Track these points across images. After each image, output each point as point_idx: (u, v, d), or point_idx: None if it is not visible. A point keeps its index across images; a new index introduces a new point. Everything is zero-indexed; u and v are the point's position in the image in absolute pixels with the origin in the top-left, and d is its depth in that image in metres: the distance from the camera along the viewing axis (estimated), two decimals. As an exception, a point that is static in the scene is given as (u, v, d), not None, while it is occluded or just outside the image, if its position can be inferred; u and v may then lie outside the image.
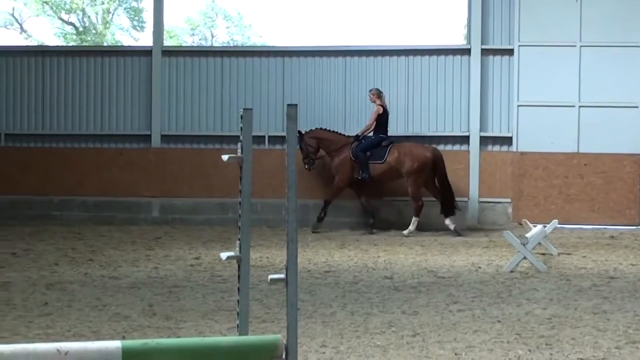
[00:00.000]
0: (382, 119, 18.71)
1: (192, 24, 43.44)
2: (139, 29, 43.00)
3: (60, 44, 24.52)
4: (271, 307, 9.85)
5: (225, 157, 4.40)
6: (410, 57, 19.93)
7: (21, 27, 41.49)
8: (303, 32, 42.86)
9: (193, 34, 43.91)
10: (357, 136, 18.86)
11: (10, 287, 11.06)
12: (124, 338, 8.16)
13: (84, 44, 33.19)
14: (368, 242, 16.55)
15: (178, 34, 42.19)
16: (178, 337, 8.22)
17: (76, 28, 41.71)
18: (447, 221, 18.11)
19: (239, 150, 4.37)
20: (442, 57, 19.84)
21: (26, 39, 39.79)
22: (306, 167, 18.75)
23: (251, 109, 4.36)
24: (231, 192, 19.65)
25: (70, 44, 27.90)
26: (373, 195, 19.08)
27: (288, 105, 4.08)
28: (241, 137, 4.36)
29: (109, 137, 20.40)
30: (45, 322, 8.97)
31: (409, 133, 19.64)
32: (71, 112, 20.50)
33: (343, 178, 18.82)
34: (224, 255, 4.44)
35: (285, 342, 4.03)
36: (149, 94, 20.35)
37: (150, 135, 20.29)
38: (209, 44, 41.47)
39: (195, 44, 42.31)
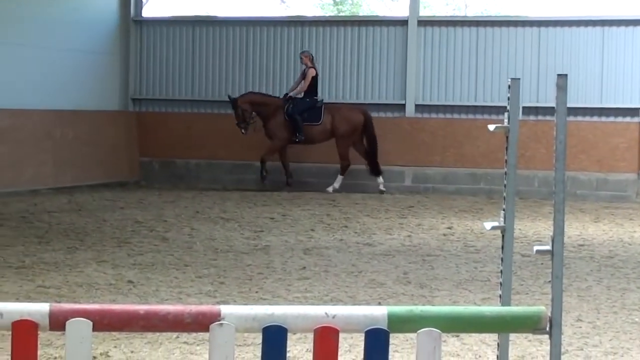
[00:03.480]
0: (314, 82, 19.42)
1: (446, -6, 43.20)
2: (393, -1, 43.16)
3: (318, 15, 24.98)
4: (525, 279, 9.73)
5: (491, 127, 4.36)
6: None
7: (281, -1, 42.48)
8: (559, 2, 41.84)
9: (447, 4, 43.71)
10: (286, 97, 19.43)
11: (269, 251, 11.40)
12: (379, 304, 8.26)
13: (341, 14, 33.64)
14: (623, 217, 16.05)
15: (431, 4, 42.10)
16: (432, 305, 8.25)
17: (333, -1, 42.35)
18: (380, 180, 19.14)
19: (505, 120, 4.32)
20: None
21: (286, 9, 40.76)
22: (242, 131, 19.21)
23: (519, 79, 4.30)
24: (482, 162, 19.55)
25: (328, 15, 28.33)
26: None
27: (558, 75, 3.99)
28: (508, 107, 4.31)
29: (364, 106, 20.62)
30: (304, 286, 9.19)
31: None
32: (328, 81, 20.85)
33: (279, 140, 19.35)
34: (487, 225, 4.41)
35: (549, 314, 3.97)
36: (403, 64, 20.44)
37: (404, 105, 20.40)
38: (462, 14, 41.18)
39: (449, 15, 42.08)
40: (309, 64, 19.45)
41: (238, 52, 21.38)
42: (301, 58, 19.68)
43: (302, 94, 19.48)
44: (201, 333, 6.02)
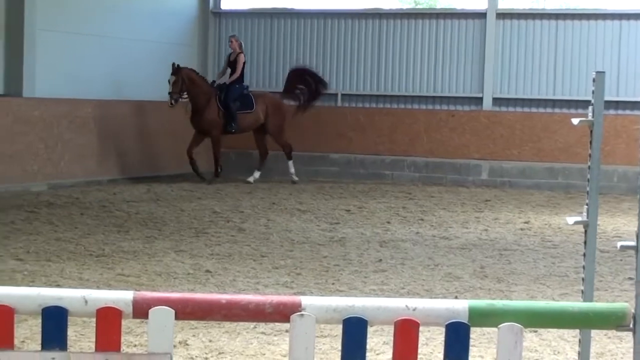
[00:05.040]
0: (244, 68, 18.92)
1: (524, -14, 42.77)
2: (471, -9, 42.87)
3: (395, 7, 24.89)
4: (604, 275, 9.60)
5: (575, 121, 4.31)
6: None
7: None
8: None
9: (525, -3, 43.27)
10: (216, 85, 18.67)
11: (346, 243, 11.41)
12: (456, 298, 8.22)
13: (418, 6, 33.50)
14: None
15: (510, -3, 41.70)
16: (510, 300, 8.19)
17: (410, -9, 42.15)
18: (290, 163, 19.15)
19: (590, 114, 4.27)
20: None
21: (363, 1, 40.64)
22: (172, 102, 18.06)
23: (604, 72, 4.24)
24: (560, 157, 19.35)
25: (405, 7, 28.24)
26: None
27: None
28: (592, 101, 4.26)
29: (440, 98, 20.57)
30: (380, 279, 9.18)
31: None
32: (405, 73, 20.82)
33: (218, 131, 18.58)
34: (570, 219, 4.36)
35: (633, 311, 3.91)
36: (481, 57, 20.31)
37: (481, 98, 20.27)
38: (541, 6, 40.74)
39: (527, 8, 41.63)
40: (238, 49, 18.83)
41: (315, 43, 21.42)
42: (230, 41, 19.00)
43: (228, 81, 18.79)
44: (278, 323, 6.06)
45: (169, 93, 18.04)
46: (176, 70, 18.08)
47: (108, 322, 3.87)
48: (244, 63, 18.90)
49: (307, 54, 21.40)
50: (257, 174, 18.92)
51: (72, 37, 18.10)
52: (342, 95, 21.16)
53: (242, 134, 19.04)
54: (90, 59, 18.37)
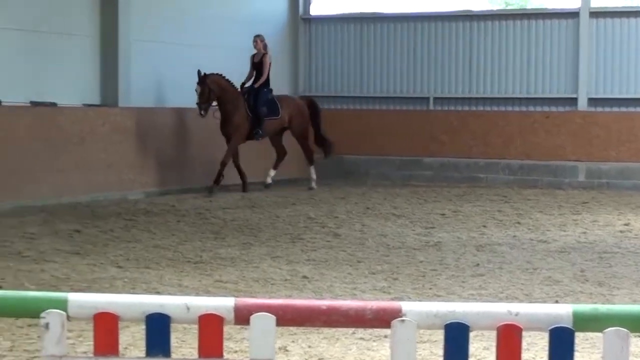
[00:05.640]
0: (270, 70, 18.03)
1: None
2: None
3: (486, 8, 24.72)
4: None
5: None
6: None
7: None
8: None
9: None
10: (246, 89, 17.80)
11: (442, 247, 11.36)
12: (556, 302, 8.12)
13: (509, 7, 33.20)
14: None
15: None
16: (612, 304, 8.06)
17: (500, -8, 41.81)
18: (312, 169, 18.53)
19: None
20: None
21: (453, 3, 40.46)
22: (202, 112, 17.10)
23: None
24: (661, 157, 18.99)
25: (496, 8, 28.02)
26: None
27: None
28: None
29: (534, 100, 20.36)
30: (478, 283, 9.12)
31: None
32: (497, 75, 20.66)
33: (240, 137, 17.67)
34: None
35: None
36: (575, 57, 20.04)
37: (576, 99, 20.00)
38: (636, 4, 40.07)
39: (621, 5, 40.99)
40: (263, 50, 17.94)
41: (405, 48, 21.37)
42: (255, 42, 18.00)
43: (252, 84, 17.96)
44: (377, 329, 6.05)
45: (197, 103, 17.15)
46: (202, 79, 17.18)
47: (210, 328, 3.91)
48: (270, 64, 18.13)
49: (397, 58, 21.36)
50: (272, 173, 18.34)
51: (166, 47, 18.34)
52: (434, 98, 21.08)
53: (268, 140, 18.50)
54: (183, 68, 18.56)
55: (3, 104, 15.50)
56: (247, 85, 17.98)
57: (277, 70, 20.79)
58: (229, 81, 17.56)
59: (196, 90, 17.16)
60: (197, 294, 8.17)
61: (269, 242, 11.55)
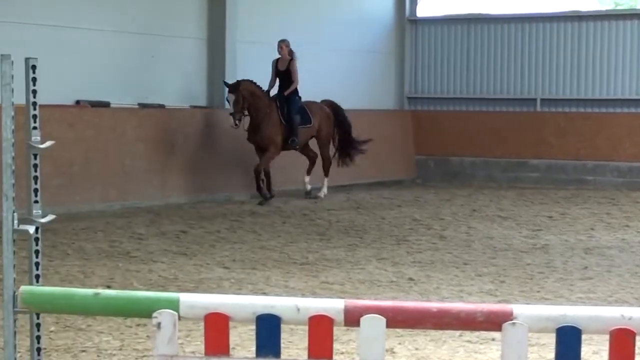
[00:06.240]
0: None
1: None
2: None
3: (595, 9, 24.38)
4: None
5: None
6: None
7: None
8: None
9: None
10: (275, 97, 16.50)
11: (549, 250, 11.22)
12: (668, 307, 7.97)
13: (619, 7, 32.70)
14: None
15: None
16: None
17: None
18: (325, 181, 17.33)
19: None
20: None
21: (561, 4, 39.98)
22: (236, 123, 15.87)
23: None
24: None
25: (605, 9, 27.64)
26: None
27: None
28: None
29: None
30: (587, 286, 8.98)
31: None
32: (606, 76, 20.33)
33: (277, 147, 16.45)
34: None
35: None
36: (688, 57, 19.64)
37: (690, 100, 19.62)
38: None
39: None
40: (288, 56, 16.61)
41: (513, 49, 21.16)
42: (280, 47, 16.59)
43: (276, 90, 16.72)
44: (484, 332, 6.01)
45: (231, 114, 15.91)
46: (235, 86, 15.99)
47: (320, 329, 3.94)
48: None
49: (505, 59, 21.17)
50: (307, 179, 17.22)
51: (272, 49, 18.46)
52: (542, 100, 20.84)
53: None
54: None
55: (112, 105, 15.79)
56: (273, 93, 16.72)
57: (383, 72, 20.85)
58: (261, 88, 16.41)
59: (228, 100, 16.18)
60: (304, 295, 8.21)
61: (374, 244, 11.56)
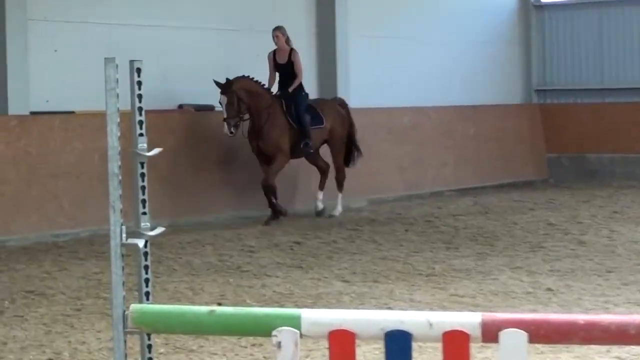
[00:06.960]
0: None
1: None
2: None
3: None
4: None
5: None
6: None
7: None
8: None
9: None
10: (278, 94, 15.03)
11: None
12: None
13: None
14: None
15: None
16: None
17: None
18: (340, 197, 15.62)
19: None
20: None
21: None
22: (232, 131, 14.33)
23: None
24: None
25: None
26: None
27: None
28: None
29: None
30: None
31: None
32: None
33: (286, 155, 14.89)
34: None
35: None
36: None
37: None
38: None
39: None
40: (287, 46, 15.12)
41: (650, 34, 20.82)
42: (276, 36, 15.05)
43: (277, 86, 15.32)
44: (634, 347, 5.87)
45: (224, 119, 14.40)
46: (227, 86, 14.43)
47: (456, 346, 3.88)
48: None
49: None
50: (320, 195, 15.54)
51: (385, 42, 18.44)
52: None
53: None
54: (404, 64, 18.63)
55: (217, 109, 15.90)
56: (275, 91, 15.28)
57: (507, 63, 20.67)
58: (260, 83, 14.90)
59: (221, 102, 14.56)
60: (432, 310, 8.15)
61: (506, 252, 11.44)
